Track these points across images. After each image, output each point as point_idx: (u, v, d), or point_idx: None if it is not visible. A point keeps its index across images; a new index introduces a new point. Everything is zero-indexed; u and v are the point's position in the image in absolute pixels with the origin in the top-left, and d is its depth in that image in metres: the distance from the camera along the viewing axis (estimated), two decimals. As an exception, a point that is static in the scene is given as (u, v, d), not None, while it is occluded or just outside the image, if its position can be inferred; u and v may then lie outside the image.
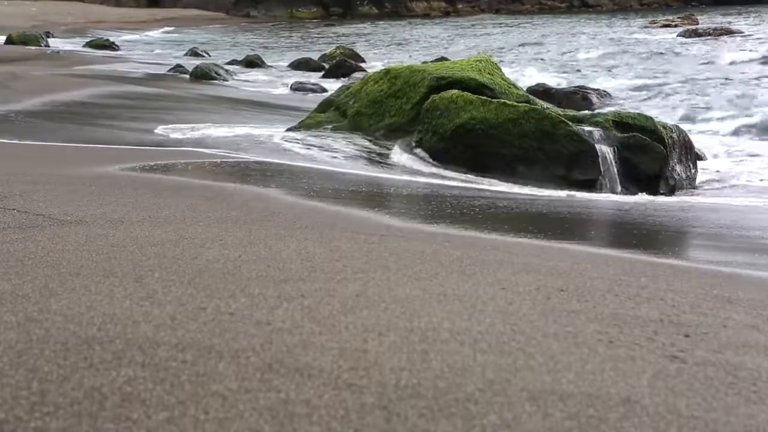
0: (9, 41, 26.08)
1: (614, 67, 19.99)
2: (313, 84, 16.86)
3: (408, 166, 7.43)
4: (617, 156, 7.37)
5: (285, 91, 16.17)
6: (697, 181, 7.86)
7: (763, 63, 18.41)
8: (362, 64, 21.31)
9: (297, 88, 16.28)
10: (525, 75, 17.18)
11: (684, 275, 3.57)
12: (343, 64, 20.32)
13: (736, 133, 10.63)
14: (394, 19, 60.26)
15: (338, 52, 24.57)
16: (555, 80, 16.95)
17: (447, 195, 5.88)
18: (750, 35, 26.88)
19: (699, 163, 8.14)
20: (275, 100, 14.25)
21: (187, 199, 4.53)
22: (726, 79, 16.32)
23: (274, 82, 18.20)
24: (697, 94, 14.36)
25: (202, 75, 17.60)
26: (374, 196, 5.71)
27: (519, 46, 28.65)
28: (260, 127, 9.40)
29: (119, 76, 15.76)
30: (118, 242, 3.37)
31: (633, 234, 4.97)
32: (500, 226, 4.71)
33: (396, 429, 1.81)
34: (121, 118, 9.70)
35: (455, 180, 6.98)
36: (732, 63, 19.09)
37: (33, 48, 24.26)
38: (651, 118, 7.90)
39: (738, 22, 34.38)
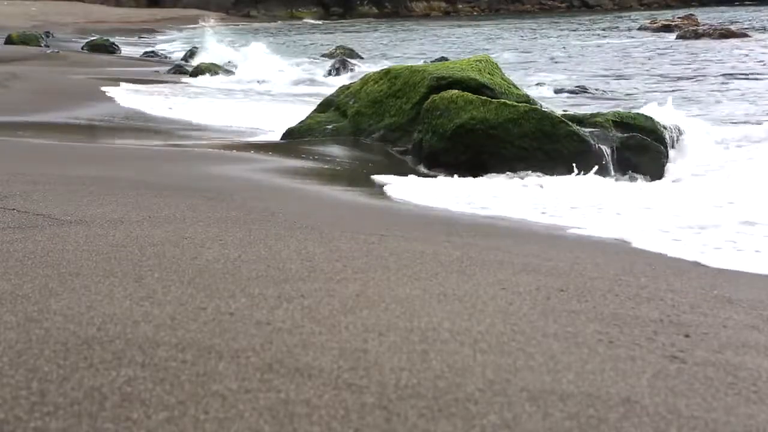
0: (9, 41, 26.06)
1: (610, 67, 19.98)
2: (313, 83, 16.86)
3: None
4: (617, 156, 7.37)
5: (284, 90, 16.16)
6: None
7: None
8: (362, 64, 21.30)
9: (297, 86, 16.29)
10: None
11: (684, 275, 3.58)
12: (342, 64, 20.33)
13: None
14: (394, 18, 60.27)
15: (338, 51, 24.58)
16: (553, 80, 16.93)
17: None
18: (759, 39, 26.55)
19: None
20: (275, 99, 14.25)
21: (187, 199, 4.53)
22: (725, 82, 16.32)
23: (273, 81, 18.17)
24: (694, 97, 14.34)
25: (201, 75, 17.59)
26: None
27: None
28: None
29: (141, 79, 15.77)
30: (118, 242, 3.37)
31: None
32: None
33: (396, 429, 1.81)
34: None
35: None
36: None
37: (33, 48, 24.23)
38: (651, 118, 7.90)
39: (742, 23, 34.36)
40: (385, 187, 6.08)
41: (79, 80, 14.12)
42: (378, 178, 6.43)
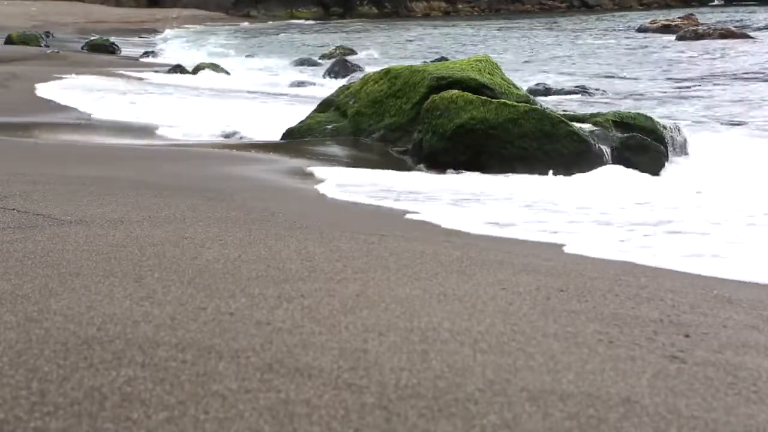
0: (9, 41, 26.06)
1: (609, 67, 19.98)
2: (313, 83, 16.87)
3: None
4: (617, 156, 7.37)
5: (284, 90, 16.15)
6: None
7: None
8: (361, 64, 21.31)
9: (297, 86, 16.30)
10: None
11: (684, 275, 3.58)
12: (342, 64, 20.33)
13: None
14: (394, 19, 60.27)
15: (338, 51, 24.61)
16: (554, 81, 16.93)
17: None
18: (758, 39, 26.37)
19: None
20: (274, 99, 14.24)
21: (187, 199, 4.53)
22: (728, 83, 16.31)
23: (273, 80, 18.18)
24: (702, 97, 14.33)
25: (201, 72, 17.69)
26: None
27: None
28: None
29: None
30: (118, 242, 3.37)
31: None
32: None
33: (396, 429, 1.81)
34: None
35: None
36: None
37: (33, 48, 24.22)
38: (651, 117, 7.91)
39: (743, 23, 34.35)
40: (318, 185, 5.87)
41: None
42: (311, 169, 6.39)
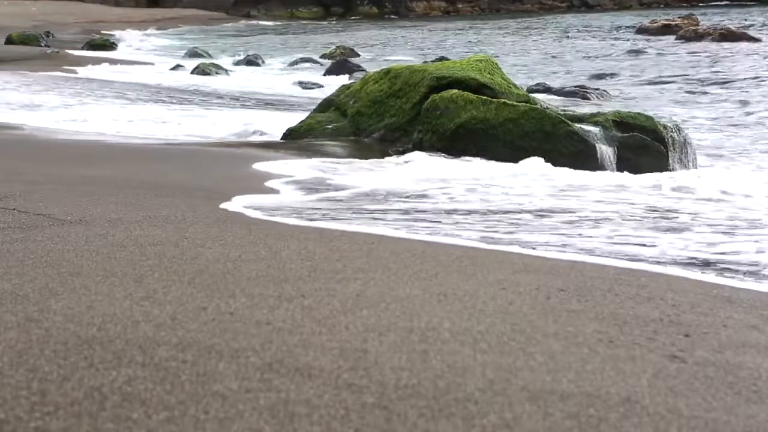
0: (9, 41, 26.05)
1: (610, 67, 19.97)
2: (314, 83, 16.86)
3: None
4: (618, 156, 7.37)
5: (285, 90, 16.15)
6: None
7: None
8: (362, 64, 21.31)
9: (296, 86, 16.29)
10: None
11: (684, 275, 3.58)
12: (343, 64, 20.33)
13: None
14: (394, 18, 60.28)
15: (338, 51, 24.61)
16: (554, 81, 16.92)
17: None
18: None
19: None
20: (274, 99, 14.24)
21: (187, 199, 4.53)
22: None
23: (274, 80, 18.18)
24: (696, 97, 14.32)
25: (201, 74, 17.66)
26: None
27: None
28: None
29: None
30: (118, 242, 3.37)
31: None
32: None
33: (396, 429, 1.81)
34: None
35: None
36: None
37: (33, 48, 24.20)
38: (651, 117, 7.90)
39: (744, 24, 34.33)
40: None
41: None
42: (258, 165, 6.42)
